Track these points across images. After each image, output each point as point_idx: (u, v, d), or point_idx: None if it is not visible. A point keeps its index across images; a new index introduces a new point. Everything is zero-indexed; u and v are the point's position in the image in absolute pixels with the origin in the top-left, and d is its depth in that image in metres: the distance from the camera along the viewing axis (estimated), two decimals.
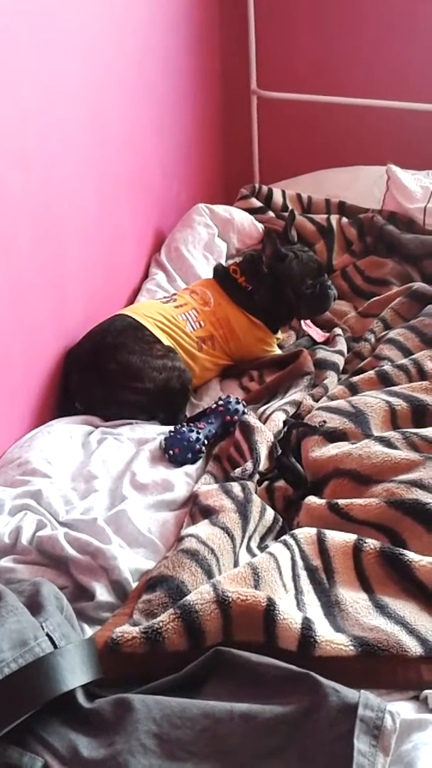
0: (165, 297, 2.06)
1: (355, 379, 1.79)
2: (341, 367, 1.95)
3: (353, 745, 0.88)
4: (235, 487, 1.44)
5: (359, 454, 1.46)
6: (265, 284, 2.03)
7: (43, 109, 1.64)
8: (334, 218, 2.54)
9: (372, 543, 1.24)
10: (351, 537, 1.27)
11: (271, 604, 1.09)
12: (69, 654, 0.98)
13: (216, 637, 1.09)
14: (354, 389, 1.75)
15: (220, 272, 2.09)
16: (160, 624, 1.09)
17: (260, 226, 2.50)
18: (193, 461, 1.61)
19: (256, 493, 1.46)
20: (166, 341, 1.84)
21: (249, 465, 1.52)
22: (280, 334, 2.12)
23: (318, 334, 2.15)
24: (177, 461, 1.60)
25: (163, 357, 1.79)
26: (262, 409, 1.76)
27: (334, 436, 1.55)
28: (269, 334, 2.06)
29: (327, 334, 2.14)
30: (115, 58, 2.03)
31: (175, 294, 2.04)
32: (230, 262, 2.15)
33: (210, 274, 2.20)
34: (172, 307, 1.94)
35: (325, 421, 1.59)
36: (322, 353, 1.98)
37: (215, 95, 2.90)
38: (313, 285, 2.07)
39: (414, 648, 1.08)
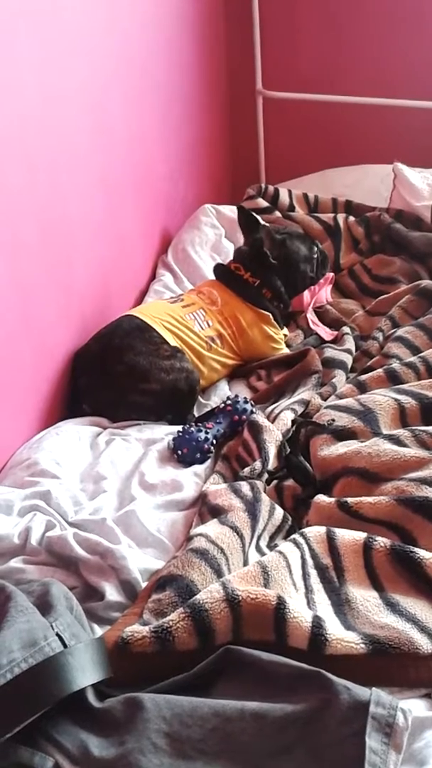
0: (172, 297, 2.06)
1: (363, 377, 1.78)
2: (349, 366, 1.94)
3: (365, 743, 0.88)
4: (244, 487, 1.43)
5: (368, 452, 1.45)
6: (276, 273, 2.08)
7: (47, 111, 1.65)
8: (341, 217, 2.53)
9: (382, 541, 1.24)
10: (361, 535, 1.26)
11: (281, 603, 1.09)
12: (79, 653, 0.98)
13: (226, 636, 1.09)
14: (362, 387, 1.74)
15: (223, 272, 2.10)
16: (170, 623, 1.09)
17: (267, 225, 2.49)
18: (201, 461, 1.61)
19: (265, 492, 1.46)
20: (173, 342, 1.84)
21: (258, 464, 1.52)
22: (287, 331, 2.12)
23: (326, 333, 2.14)
24: (186, 461, 1.60)
25: (171, 357, 1.79)
26: (270, 408, 1.76)
27: (342, 434, 1.55)
28: (278, 329, 2.06)
29: (335, 333, 2.13)
30: (120, 60, 2.03)
31: (182, 294, 2.05)
32: (228, 261, 2.15)
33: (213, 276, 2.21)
34: (180, 307, 1.94)
35: (333, 420, 1.58)
36: (330, 352, 1.98)
37: (221, 96, 2.90)
38: (317, 250, 2.19)
39: (425, 646, 1.08)
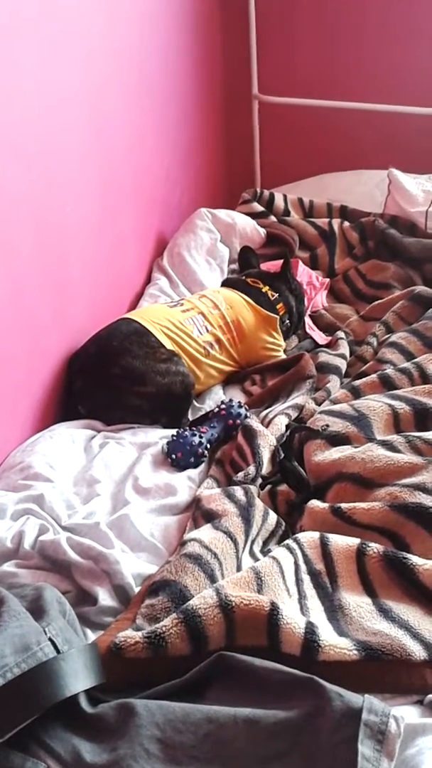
0: (172, 302, 2.06)
1: (357, 382, 1.79)
2: (344, 371, 1.95)
3: (357, 750, 0.88)
4: (238, 491, 1.43)
5: (362, 457, 1.45)
6: (291, 293, 2.17)
7: (44, 113, 1.65)
8: (335, 222, 2.54)
9: (375, 547, 1.24)
10: (354, 541, 1.26)
11: (274, 609, 1.09)
12: (71, 659, 0.97)
13: (219, 641, 1.09)
14: (356, 393, 1.75)
15: (237, 281, 2.15)
16: (163, 629, 1.09)
17: (262, 231, 2.50)
18: (195, 465, 1.61)
19: (258, 497, 1.45)
20: (170, 347, 1.84)
21: (252, 469, 1.52)
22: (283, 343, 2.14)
23: (320, 337, 2.15)
24: (179, 465, 1.60)
25: (167, 361, 1.79)
26: (264, 413, 1.76)
27: (336, 439, 1.55)
28: (280, 336, 2.08)
29: (329, 338, 2.14)
30: (117, 63, 2.03)
31: (182, 299, 2.05)
32: (244, 278, 2.18)
33: (215, 283, 2.22)
34: (179, 311, 1.94)
35: (327, 425, 1.58)
36: (324, 357, 1.98)
37: (217, 100, 2.90)
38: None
39: (418, 652, 1.08)
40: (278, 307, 2.10)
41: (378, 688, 1.04)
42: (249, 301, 2.05)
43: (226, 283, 2.18)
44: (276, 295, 2.11)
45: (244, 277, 2.17)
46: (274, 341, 2.05)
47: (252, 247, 2.34)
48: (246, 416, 1.71)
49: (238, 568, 1.28)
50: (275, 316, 2.06)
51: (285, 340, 2.12)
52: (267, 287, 2.12)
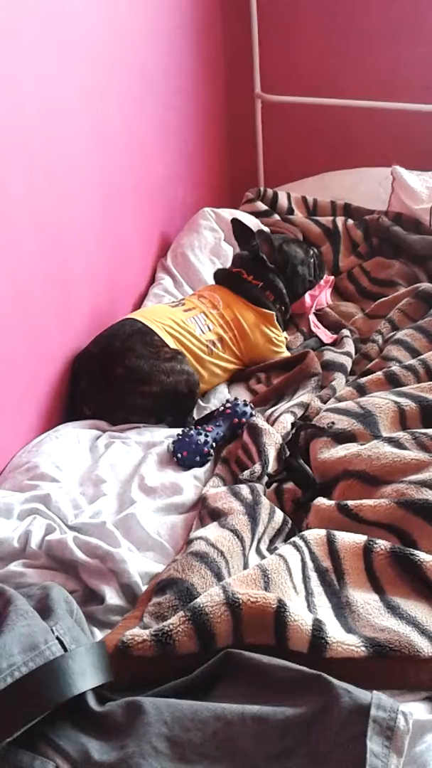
0: (173, 301, 2.06)
1: (363, 380, 1.79)
2: (349, 369, 1.95)
3: (366, 746, 0.88)
4: (244, 490, 1.43)
5: (368, 455, 1.45)
6: (278, 276, 2.13)
7: (46, 115, 1.65)
8: (339, 220, 2.54)
9: (382, 544, 1.24)
10: (361, 538, 1.26)
11: (281, 606, 1.09)
12: (79, 657, 0.97)
13: (226, 639, 1.09)
14: (362, 390, 1.75)
15: (225, 276, 2.13)
16: (170, 627, 1.09)
17: (266, 230, 2.50)
18: (201, 464, 1.61)
19: (264, 495, 1.45)
20: (174, 346, 1.84)
21: (257, 467, 1.52)
22: (287, 335, 2.13)
23: (326, 336, 2.15)
24: (185, 464, 1.60)
25: (171, 360, 1.79)
26: (269, 411, 1.76)
27: (342, 437, 1.55)
28: (279, 331, 2.07)
29: (335, 336, 2.14)
30: (119, 64, 2.04)
31: (183, 299, 2.05)
32: (229, 266, 2.17)
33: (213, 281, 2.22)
34: (181, 311, 1.94)
35: (333, 423, 1.58)
36: (329, 355, 1.98)
37: (219, 99, 2.90)
38: (313, 254, 2.26)
39: (426, 648, 1.07)
40: (266, 294, 2.09)
41: (386, 684, 1.04)
42: (245, 300, 2.05)
43: (217, 278, 2.16)
44: (261, 282, 2.09)
45: (231, 269, 2.15)
46: (275, 335, 2.05)
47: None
48: (251, 415, 1.71)
49: (245, 566, 1.28)
50: (271, 312, 2.06)
51: (284, 317, 2.13)
52: (251, 276, 2.10)
